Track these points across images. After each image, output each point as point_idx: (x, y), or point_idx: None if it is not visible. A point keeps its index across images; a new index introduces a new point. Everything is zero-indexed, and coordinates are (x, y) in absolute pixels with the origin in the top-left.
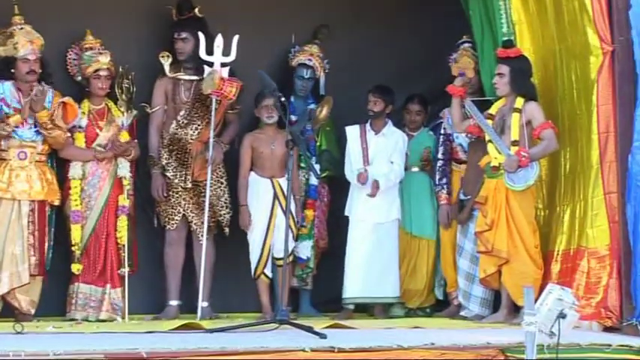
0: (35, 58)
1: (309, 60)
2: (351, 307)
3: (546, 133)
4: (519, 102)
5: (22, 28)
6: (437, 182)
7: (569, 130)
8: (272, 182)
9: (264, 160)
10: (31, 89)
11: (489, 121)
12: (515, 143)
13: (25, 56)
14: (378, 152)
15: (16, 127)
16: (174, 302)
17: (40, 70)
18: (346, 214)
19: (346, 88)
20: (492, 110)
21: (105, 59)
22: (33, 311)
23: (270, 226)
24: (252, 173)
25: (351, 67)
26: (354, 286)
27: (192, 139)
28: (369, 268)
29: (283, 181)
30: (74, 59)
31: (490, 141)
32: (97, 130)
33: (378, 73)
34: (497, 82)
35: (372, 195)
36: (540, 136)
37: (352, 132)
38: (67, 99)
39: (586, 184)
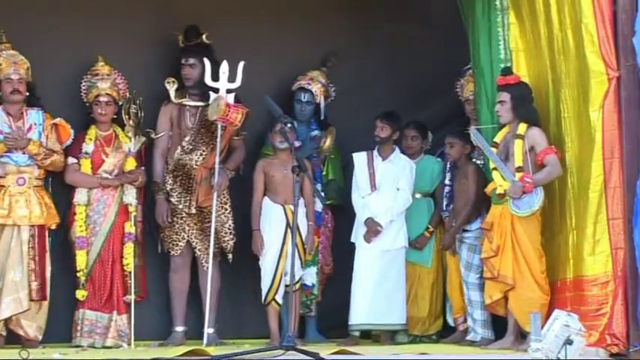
0: (19, 78)
1: (308, 84)
2: (357, 333)
3: (550, 159)
4: (522, 128)
5: (5, 51)
6: (444, 208)
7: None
8: (284, 209)
9: (276, 185)
10: (21, 112)
11: (494, 149)
12: (519, 169)
13: (8, 76)
14: (385, 178)
15: (9, 151)
16: (179, 328)
17: (27, 93)
18: (352, 240)
19: (351, 115)
20: (497, 138)
21: (104, 85)
22: (40, 337)
23: (282, 254)
24: (266, 198)
25: (355, 95)
26: (361, 312)
27: (196, 165)
28: (375, 295)
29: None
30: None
31: (495, 168)
32: (103, 157)
33: (383, 100)
34: (499, 109)
35: (366, 238)
36: (544, 162)
37: (359, 158)
38: (58, 120)
39: (583, 211)
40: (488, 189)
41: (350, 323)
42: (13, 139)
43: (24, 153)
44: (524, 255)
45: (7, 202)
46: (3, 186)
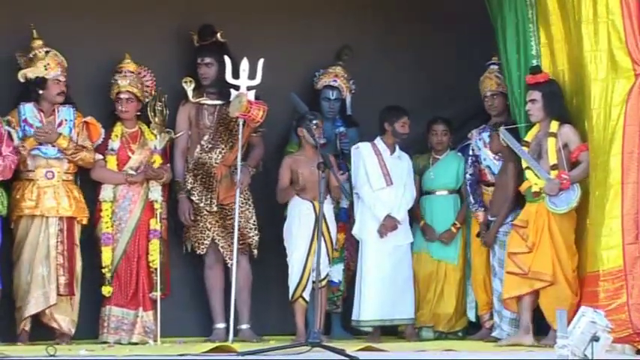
0: (64, 79)
1: (334, 81)
2: (370, 329)
3: (584, 155)
4: (554, 126)
5: (48, 51)
6: (472, 202)
7: None
8: (313, 205)
9: (304, 182)
10: (53, 109)
11: (525, 148)
12: (554, 167)
13: (56, 77)
14: (396, 173)
15: (40, 144)
16: (221, 325)
17: None
18: (354, 232)
19: (373, 113)
20: (528, 137)
21: (124, 82)
22: (73, 331)
23: (311, 250)
24: (295, 196)
25: (378, 92)
26: (373, 308)
27: (216, 163)
28: (389, 289)
29: (324, 204)
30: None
31: (528, 167)
32: (129, 153)
33: (406, 97)
34: (530, 108)
35: (382, 234)
36: (579, 159)
37: (366, 150)
38: (89, 119)
39: (600, 206)
40: (523, 187)
41: (362, 319)
42: (44, 132)
43: (53, 146)
44: (557, 253)
45: (35, 193)
46: (32, 179)
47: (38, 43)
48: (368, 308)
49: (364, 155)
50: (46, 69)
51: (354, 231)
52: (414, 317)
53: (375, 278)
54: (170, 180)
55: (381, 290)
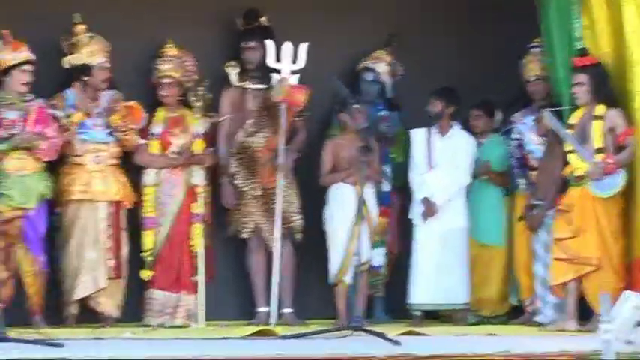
0: (109, 65)
1: (373, 63)
2: (419, 313)
3: (630, 139)
4: (600, 109)
5: (92, 37)
6: (528, 184)
7: None
8: (356, 190)
9: (346, 166)
10: (96, 96)
11: (569, 131)
12: (599, 151)
13: (102, 64)
14: (443, 156)
15: (84, 126)
16: (263, 308)
17: None
18: (410, 217)
19: (419, 97)
20: (572, 120)
21: (165, 66)
22: (118, 314)
23: (353, 234)
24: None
25: (424, 75)
26: (422, 292)
27: (260, 147)
28: (436, 274)
29: (366, 188)
30: None
31: (571, 151)
32: (171, 138)
33: (452, 79)
34: (576, 91)
35: (425, 217)
36: (624, 143)
37: (417, 135)
38: (132, 103)
39: None
40: (566, 172)
41: (410, 302)
42: (114, 101)
43: (102, 130)
44: (603, 237)
45: (85, 178)
46: (80, 164)
47: (81, 28)
48: (419, 292)
49: (414, 141)
50: (91, 56)
51: (410, 215)
52: (468, 302)
53: (423, 262)
54: (214, 164)
55: (433, 274)
